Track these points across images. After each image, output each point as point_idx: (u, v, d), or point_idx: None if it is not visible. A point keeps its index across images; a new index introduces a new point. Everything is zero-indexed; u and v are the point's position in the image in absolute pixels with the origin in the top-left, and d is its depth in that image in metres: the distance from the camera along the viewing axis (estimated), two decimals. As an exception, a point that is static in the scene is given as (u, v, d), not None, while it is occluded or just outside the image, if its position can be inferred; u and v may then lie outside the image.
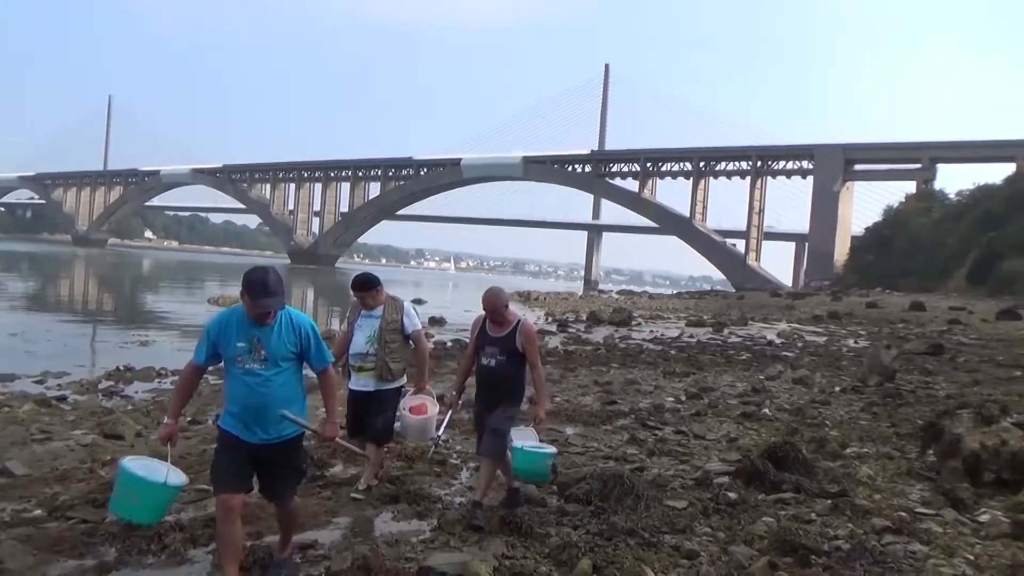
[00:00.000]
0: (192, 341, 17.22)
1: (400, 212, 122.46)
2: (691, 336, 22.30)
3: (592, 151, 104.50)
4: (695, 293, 75.45)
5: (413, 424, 5.51)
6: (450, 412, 5.49)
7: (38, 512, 4.81)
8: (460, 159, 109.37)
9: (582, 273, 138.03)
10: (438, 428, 5.47)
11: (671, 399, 10.29)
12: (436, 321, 24.59)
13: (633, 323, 27.72)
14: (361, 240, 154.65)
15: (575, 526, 4.68)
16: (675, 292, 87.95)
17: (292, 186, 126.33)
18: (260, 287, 3.58)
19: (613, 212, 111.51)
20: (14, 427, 7.24)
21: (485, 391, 5.12)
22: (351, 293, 5.69)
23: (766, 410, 9.31)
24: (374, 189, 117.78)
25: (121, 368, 11.39)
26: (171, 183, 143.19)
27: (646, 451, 6.99)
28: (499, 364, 4.99)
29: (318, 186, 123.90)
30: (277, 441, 3.75)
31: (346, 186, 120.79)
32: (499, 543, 4.29)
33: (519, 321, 5.05)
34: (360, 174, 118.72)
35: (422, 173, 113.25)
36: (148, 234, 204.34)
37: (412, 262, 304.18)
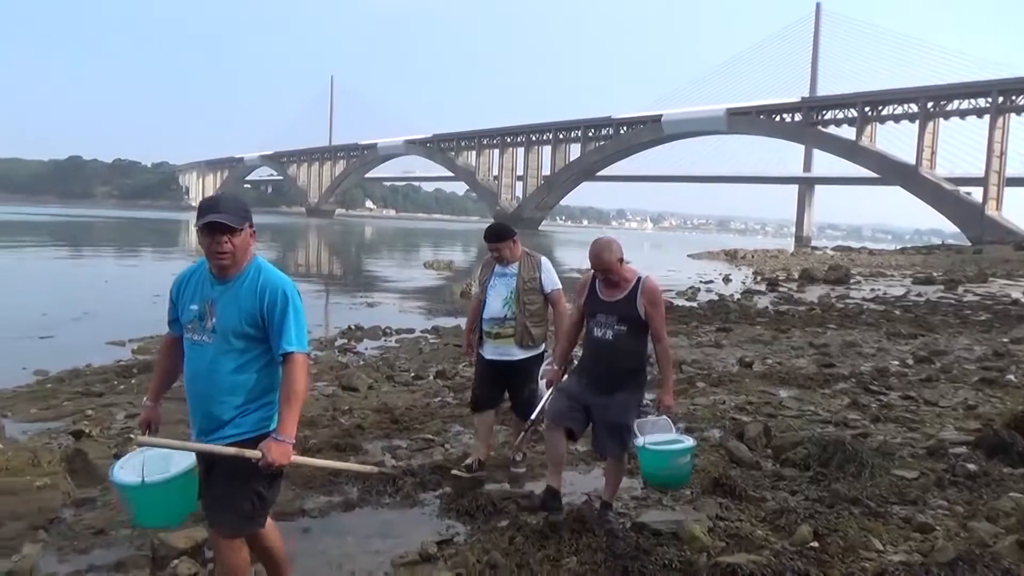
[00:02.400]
0: (411, 303, 18.44)
1: (600, 173, 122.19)
2: (919, 295, 20.65)
3: (802, 98, 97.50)
4: (922, 248, 68.67)
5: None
6: (549, 392, 4.44)
7: (293, 453, 5.44)
8: (660, 115, 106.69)
9: (792, 229, 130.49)
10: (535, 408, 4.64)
11: (896, 362, 9.68)
12: (639, 282, 24.54)
13: (851, 281, 26.26)
14: (563, 202, 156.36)
15: (792, 491, 4.55)
16: (899, 247, 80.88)
17: (496, 152, 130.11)
18: (206, 207, 2.67)
19: (827, 163, 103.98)
20: (268, 379, 8.20)
21: (596, 369, 4.09)
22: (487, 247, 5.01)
23: (1011, 376, 8.43)
24: (575, 151, 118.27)
25: (352, 327, 12.49)
26: (387, 155, 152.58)
27: (870, 417, 6.61)
28: (618, 337, 3.99)
29: (521, 151, 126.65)
30: (219, 442, 2.73)
31: (548, 149, 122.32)
32: (712, 504, 4.27)
33: (639, 279, 4.02)
34: (561, 136, 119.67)
35: (622, 132, 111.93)
36: (368, 204, 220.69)
37: (613, 223, 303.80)
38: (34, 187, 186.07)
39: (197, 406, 2.78)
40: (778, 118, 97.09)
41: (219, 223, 2.62)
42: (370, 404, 7.08)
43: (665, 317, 4.11)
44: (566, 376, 4.38)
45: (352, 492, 4.60)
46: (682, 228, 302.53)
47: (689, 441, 4.10)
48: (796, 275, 28.92)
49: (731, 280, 27.74)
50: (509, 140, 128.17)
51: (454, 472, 4.86)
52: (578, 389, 4.11)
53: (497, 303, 4.87)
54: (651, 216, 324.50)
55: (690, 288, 22.59)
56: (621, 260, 4.01)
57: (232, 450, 2.68)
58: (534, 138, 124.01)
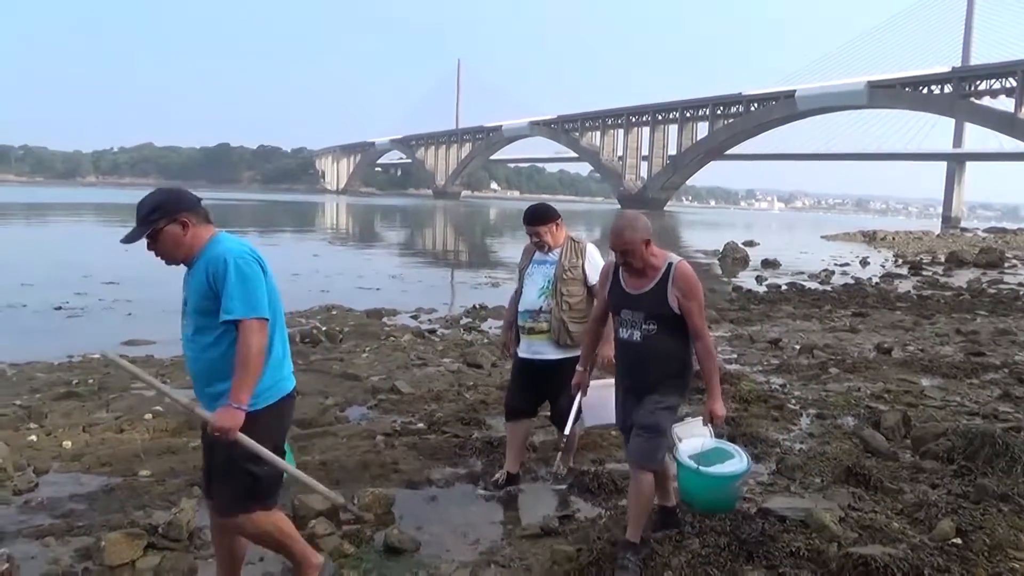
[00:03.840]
0: (534, 283, 18.57)
1: (729, 152, 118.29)
2: (1087, 280, 18.85)
3: (953, 68, 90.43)
4: (1094, 229, 62.57)
5: (586, 401, 3.96)
6: (578, 397, 3.90)
7: (420, 425, 5.67)
8: (794, 91, 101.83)
9: (939, 210, 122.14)
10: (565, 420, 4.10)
11: (1058, 353, 8.89)
12: (769, 263, 23.81)
13: (1006, 265, 24.37)
14: (689, 182, 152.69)
15: (933, 484, 4.31)
16: (1064, 228, 73.96)
17: (621, 132, 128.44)
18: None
19: (980, 137, 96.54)
20: (398, 353, 8.56)
21: (628, 379, 3.43)
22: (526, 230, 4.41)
23: None
24: (702, 130, 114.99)
25: (477, 307, 12.76)
26: (512, 137, 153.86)
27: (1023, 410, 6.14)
28: (648, 338, 3.27)
29: (646, 130, 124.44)
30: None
31: (674, 128, 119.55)
32: (844, 494, 4.11)
33: (670, 264, 3.28)
34: (688, 115, 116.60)
35: (752, 109, 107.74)
36: (493, 185, 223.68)
37: (742, 203, 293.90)
38: (188, 173, 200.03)
39: (194, 385, 2.90)
40: (925, 90, 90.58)
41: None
42: (493, 381, 7.23)
43: (704, 307, 3.38)
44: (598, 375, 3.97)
45: (476, 465, 4.75)
46: (816, 208, 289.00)
47: (742, 464, 3.59)
48: (942, 258, 27.21)
49: (869, 263, 26.38)
50: (634, 120, 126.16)
51: (480, 492, 4.33)
52: (623, 413, 3.50)
53: (533, 293, 4.29)
54: (783, 196, 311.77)
55: (823, 271, 21.71)
56: (648, 242, 3.27)
57: (185, 400, 2.86)
58: (660, 117, 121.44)
